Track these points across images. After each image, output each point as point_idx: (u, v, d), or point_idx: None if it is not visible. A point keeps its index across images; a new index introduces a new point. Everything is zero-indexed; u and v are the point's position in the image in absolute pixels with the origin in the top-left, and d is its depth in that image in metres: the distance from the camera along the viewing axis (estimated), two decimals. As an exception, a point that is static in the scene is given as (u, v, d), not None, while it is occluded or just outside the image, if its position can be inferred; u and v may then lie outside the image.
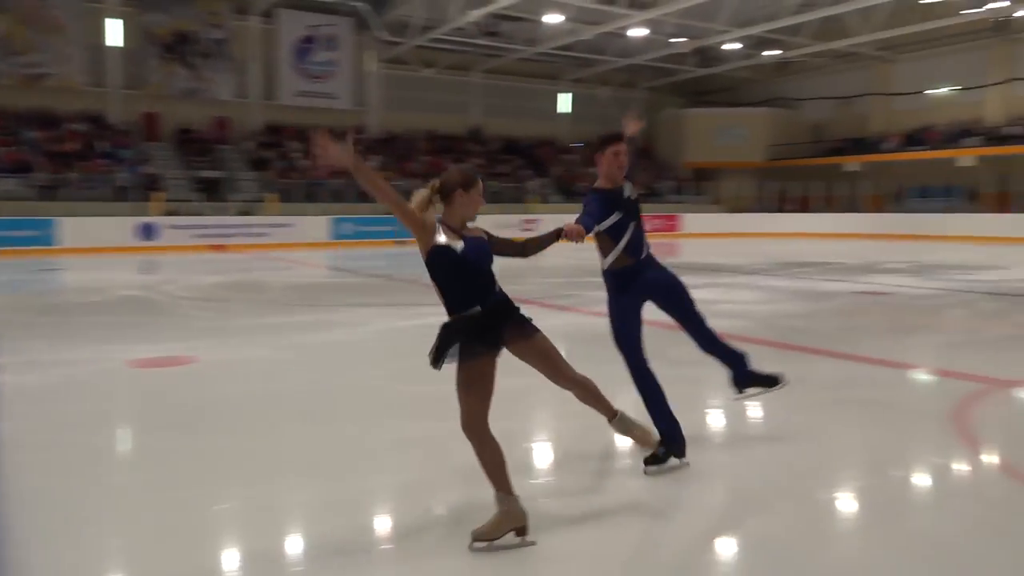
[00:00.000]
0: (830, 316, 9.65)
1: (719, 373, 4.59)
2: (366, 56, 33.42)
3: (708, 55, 32.59)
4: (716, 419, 5.09)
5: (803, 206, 33.44)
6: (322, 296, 11.86)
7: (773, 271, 15.55)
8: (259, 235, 24.21)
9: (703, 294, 11.41)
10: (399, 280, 14.43)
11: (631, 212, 3.98)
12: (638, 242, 3.98)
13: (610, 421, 3.80)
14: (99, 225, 21.76)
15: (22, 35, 26.26)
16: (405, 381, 6.10)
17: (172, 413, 5.31)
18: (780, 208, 34.79)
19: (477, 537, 3.13)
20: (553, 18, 28.75)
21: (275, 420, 5.14)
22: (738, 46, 32.63)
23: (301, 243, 24.49)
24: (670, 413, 4.02)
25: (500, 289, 3.26)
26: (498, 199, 31.49)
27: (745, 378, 4.25)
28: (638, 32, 30.22)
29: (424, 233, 3.16)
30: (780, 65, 34.31)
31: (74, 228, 21.15)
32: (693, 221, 33.39)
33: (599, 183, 4.01)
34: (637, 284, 3.95)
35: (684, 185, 37.70)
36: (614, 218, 3.90)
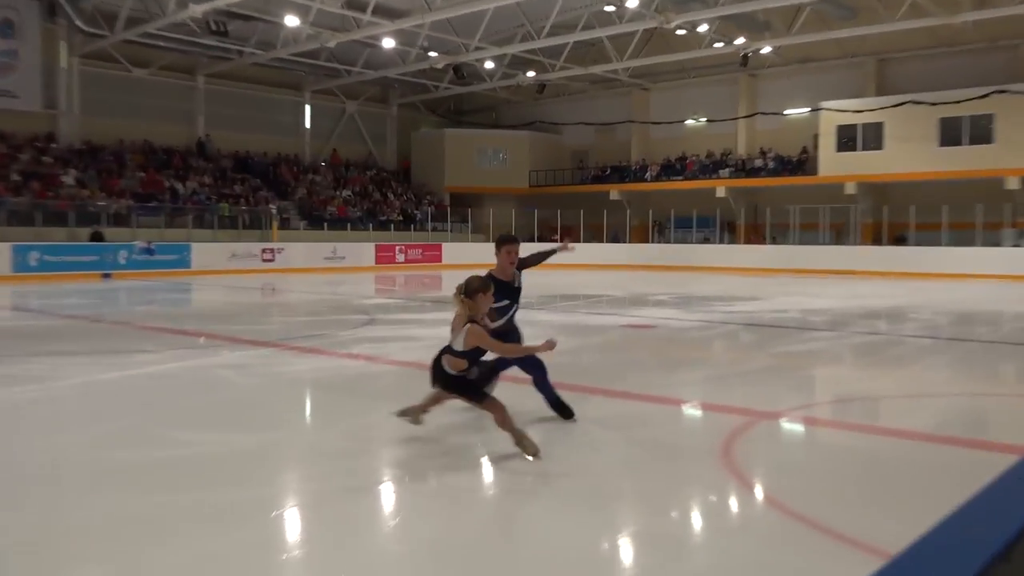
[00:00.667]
0: (597, 351, 10.27)
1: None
2: (57, 49, 30.69)
3: (465, 72, 33.78)
4: (489, 458, 5.13)
5: (569, 235, 35.52)
6: (3, 343, 10.53)
7: (538, 305, 16.20)
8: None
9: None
10: (106, 322, 13.22)
11: (515, 295, 6.11)
12: (513, 315, 6.17)
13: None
14: None
15: None
16: (116, 446, 5.53)
17: None
18: (544, 237, 36.70)
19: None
20: (291, 20, 28.33)
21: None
22: (492, 65, 34.20)
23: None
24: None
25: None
26: (230, 224, 30.28)
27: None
28: (389, 43, 30.64)
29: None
30: (540, 87, 36.46)
31: None
32: (454, 251, 34.24)
33: (495, 272, 6.03)
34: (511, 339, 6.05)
35: (444, 211, 38.60)
36: (503, 303, 5.95)
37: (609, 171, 38.98)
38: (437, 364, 5.27)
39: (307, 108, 38.81)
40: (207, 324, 12.82)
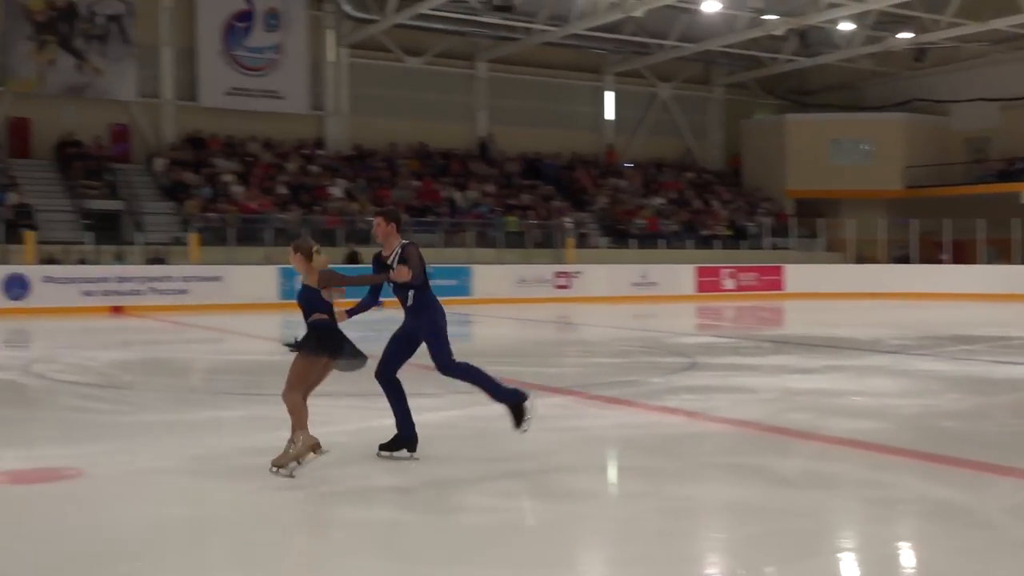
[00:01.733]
0: (1009, 416, 9.60)
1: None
2: (324, 39, 34.06)
3: (814, 40, 32.97)
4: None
5: (961, 254, 33.35)
6: (266, 381, 11.78)
7: (922, 349, 15.53)
8: (175, 292, 24.38)
9: (821, 382, 11.33)
10: (376, 359, 14.35)
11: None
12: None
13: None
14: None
15: None
16: (389, 505, 5.98)
17: (50, 551, 5.20)
18: (929, 257, 34.71)
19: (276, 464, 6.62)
20: (593, -15, 29.33)
21: (198, 564, 5.02)
22: (851, 27, 33.05)
23: (236, 304, 24.62)
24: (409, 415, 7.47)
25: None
26: (517, 242, 31.69)
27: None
28: (712, 7, 30.72)
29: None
30: (918, 54, 34.63)
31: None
32: (800, 275, 33.36)
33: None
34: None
35: (785, 223, 37.76)
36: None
37: (1020, 165, 36.17)
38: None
39: (609, 95, 39.89)
40: (491, 365, 13.45)
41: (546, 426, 8.61)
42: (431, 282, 7.64)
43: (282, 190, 30.45)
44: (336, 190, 31.23)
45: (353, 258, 27.30)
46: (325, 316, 7.21)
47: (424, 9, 30.76)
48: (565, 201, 35.45)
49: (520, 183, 35.77)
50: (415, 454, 7.30)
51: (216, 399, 10.42)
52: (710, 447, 8.00)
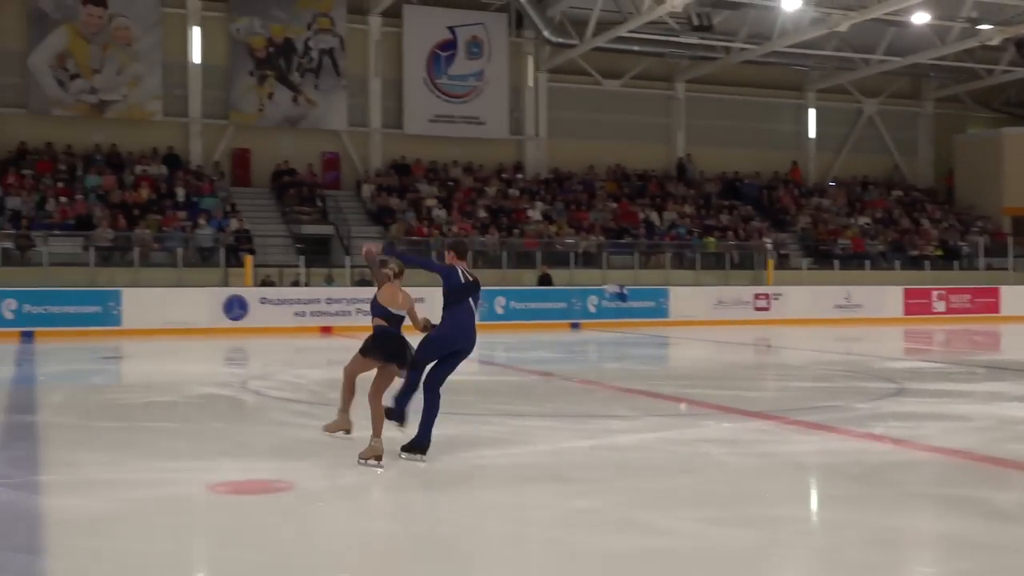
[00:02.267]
0: None
1: None
2: (524, 65, 34.62)
3: (1034, 47, 31.25)
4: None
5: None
6: (465, 400, 12.04)
7: None
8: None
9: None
10: (574, 380, 14.46)
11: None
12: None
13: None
14: (174, 299, 23.45)
15: (84, 53, 29.31)
16: (583, 527, 6.00)
17: (265, 560, 5.46)
18: None
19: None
20: (791, 3, 28.69)
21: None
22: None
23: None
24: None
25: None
26: (715, 263, 31.30)
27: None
28: (921, 18, 29.54)
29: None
30: None
31: (142, 302, 22.91)
32: (1018, 297, 31.53)
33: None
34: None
35: (1003, 243, 35.76)
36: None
37: None
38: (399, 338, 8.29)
39: (811, 112, 38.91)
40: (688, 387, 13.37)
41: (744, 451, 8.46)
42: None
43: (482, 213, 31.07)
44: (534, 213, 31.63)
45: (546, 280, 27.58)
46: (384, 322, 8.35)
47: (622, 32, 30.84)
48: (765, 221, 34.74)
49: (719, 203, 35.30)
50: (424, 457, 7.93)
51: (417, 417, 10.70)
52: (918, 477, 7.66)
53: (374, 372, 8.29)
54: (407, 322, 8.47)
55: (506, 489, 7.15)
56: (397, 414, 8.13)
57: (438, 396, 8.09)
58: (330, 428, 8.77)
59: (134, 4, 29.74)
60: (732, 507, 6.56)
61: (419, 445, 7.99)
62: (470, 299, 8.29)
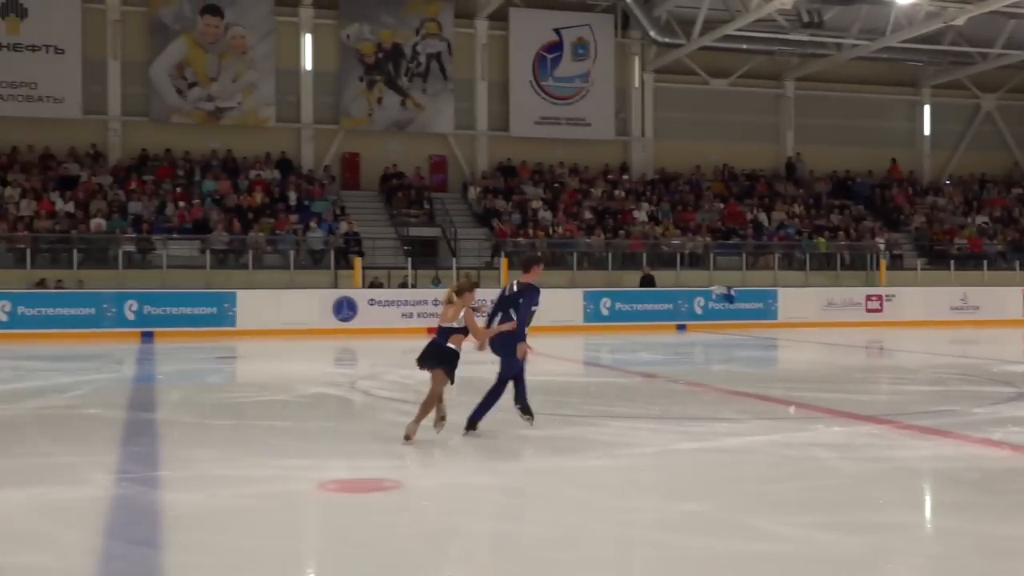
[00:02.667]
0: None
1: None
2: (630, 66, 34.47)
3: None
4: None
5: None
6: (570, 401, 12.07)
7: None
8: (485, 314, 25.29)
9: None
10: (681, 382, 14.35)
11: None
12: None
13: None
14: (286, 300, 23.99)
15: (201, 62, 30.20)
16: (688, 530, 5.96)
17: (375, 557, 5.55)
18: None
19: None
20: (908, -5, 27.96)
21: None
22: None
23: (544, 327, 25.20)
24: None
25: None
26: (825, 264, 30.75)
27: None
28: (1046, 8, 28.49)
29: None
30: None
31: (256, 304, 23.49)
32: None
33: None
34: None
35: None
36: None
37: None
38: (434, 346, 8.93)
39: (926, 109, 37.86)
40: (798, 390, 13.17)
41: (855, 455, 8.29)
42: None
43: (587, 215, 31.04)
44: (640, 214, 31.49)
45: (648, 281, 27.40)
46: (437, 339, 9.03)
47: (730, 31, 30.46)
48: (877, 221, 33.94)
49: (829, 203, 34.62)
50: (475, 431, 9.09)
51: (513, 417, 10.76)
52: (1038, 484, 7.41)
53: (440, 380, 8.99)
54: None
55: (611, 491, 7.14)
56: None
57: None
58: (437, 425, 8.96)
59: (249, 13, 30.53)
60: (842, 513, 6.44)
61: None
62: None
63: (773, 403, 11.78)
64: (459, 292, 8.95)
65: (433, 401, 8.81)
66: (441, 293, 25.03)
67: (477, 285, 9.42)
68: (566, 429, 9.58)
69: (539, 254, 9.93)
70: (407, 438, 8.53)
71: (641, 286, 27.36)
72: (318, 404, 12.03)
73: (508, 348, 9.12)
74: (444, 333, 8.89)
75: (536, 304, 9.27)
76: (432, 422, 8.86)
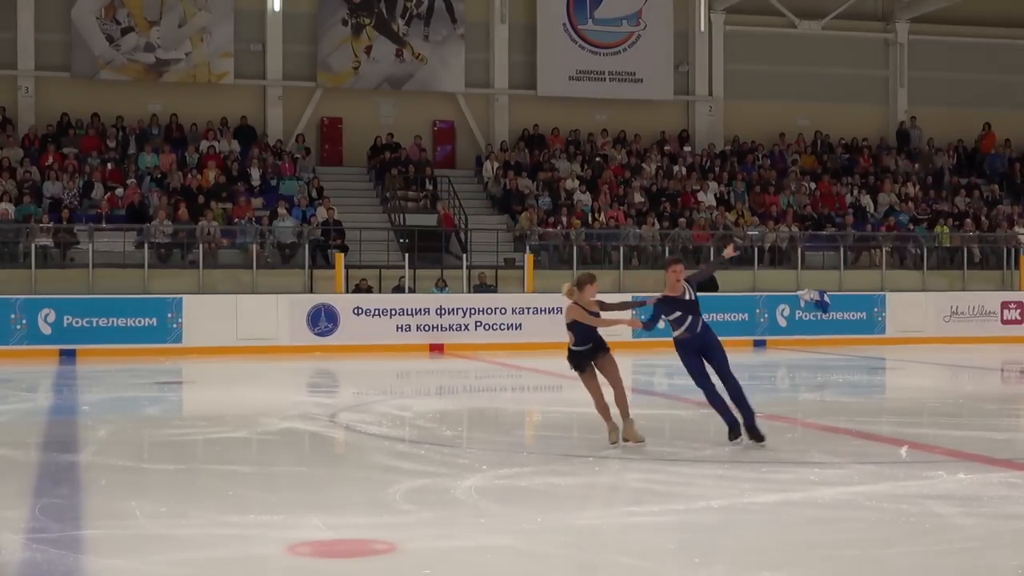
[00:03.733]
0: None
1: None
2: (693, 4, 34.28)
3: None
4: None
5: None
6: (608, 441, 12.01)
7: None
8: (506, 328, 25.17)
9: None
10: (759, 415, 14.26)
11: (688, 308, 11.29)
12: (694, 324, 11.22)
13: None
14: (247, 309, 23.93)
15: (138, 2, 30.35)
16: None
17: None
18: None
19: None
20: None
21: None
22: None
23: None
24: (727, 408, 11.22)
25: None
26: (947, 263, 30.51)
27: (750, 431, 11.08)
28: None
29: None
30: None
31: (208, 314, 23.49)
32: None
33: (667, 291, 11.37)
34: (692, 347, 11.28)
35: None
36: (677, 314, 11.26)
37: None
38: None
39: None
40: (912, 426, 13.09)
41: (987, 511, 8.23)
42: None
43: (638, 198, 30.95)
44: (706, 197, 31.38)
45: (709, 284, 26.97)
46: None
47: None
48: (1016, 205, 33.69)
49: (954, 182, 34.41)
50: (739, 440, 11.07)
51: (551, 461, 10.70)
52: None
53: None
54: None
55: (669, 557, 7.11)
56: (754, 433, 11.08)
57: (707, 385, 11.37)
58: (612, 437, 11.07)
59: (199, -62, 30.63)
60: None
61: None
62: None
63: (879, 442, 11.72)
64: (580, 285, 11.18)
65: (601, 402, 11.24)
66: (449, 299, 25.17)
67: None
68: (608, 476, 9.55)
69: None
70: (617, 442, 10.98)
71: (698, 290, 27.04)
72: (288, 443, 12.01)
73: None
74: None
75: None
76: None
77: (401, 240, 28.25)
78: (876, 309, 27.13)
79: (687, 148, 33.80)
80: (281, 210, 27.73)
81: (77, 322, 22.78)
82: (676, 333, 11.27)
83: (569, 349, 11.37)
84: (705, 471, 9.98)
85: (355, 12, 31.47)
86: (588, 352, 11.26)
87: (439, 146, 32.66)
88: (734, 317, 26.24)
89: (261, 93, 31.53)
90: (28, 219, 26.30)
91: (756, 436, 10.95)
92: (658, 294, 11.58)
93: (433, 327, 24.72)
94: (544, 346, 24.64)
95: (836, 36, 35.44)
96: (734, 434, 11.11)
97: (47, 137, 29.32)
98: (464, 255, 27.05)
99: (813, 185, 32.98)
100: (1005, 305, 28.07)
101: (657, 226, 29.62)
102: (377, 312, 24.42)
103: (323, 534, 7.61)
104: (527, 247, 27.39)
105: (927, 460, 10.51)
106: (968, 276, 30.10)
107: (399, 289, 26.05)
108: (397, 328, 24.38)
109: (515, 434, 13.51)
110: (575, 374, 11.39)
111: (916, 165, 34.93)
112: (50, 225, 26.25)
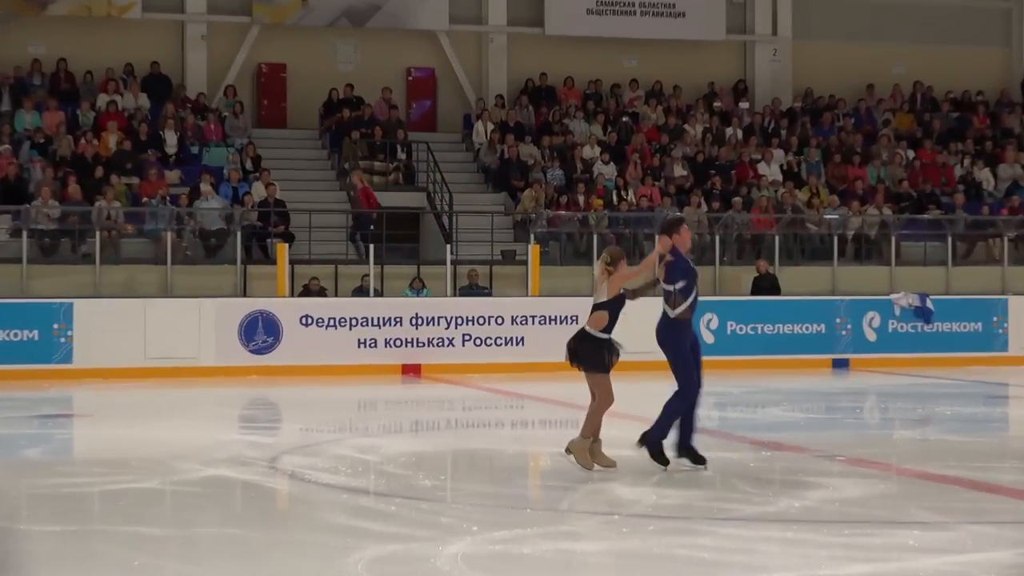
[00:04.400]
0: None
1: None
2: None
3: None
4: None
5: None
6: (661, 491, 12.03)
7: None
8: (504, 342, 25.15)
9: None
10: (835, 459, 14.31)
11: (696, 279, 12.77)
12: (695, 303, 12.60)
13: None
14: (159, 317, 23.90)
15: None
16: None
17: None
18: None
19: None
20: None
21: None
22: None
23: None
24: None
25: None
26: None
27: (685, 450, 12.63)
28: None
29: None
30: None
31: (107, 324, 23.44)
32: None
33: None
34: (690, 332, 12.84)
35: None
36: (682, 283, 12.48)
37: None
38: (575, 337, 12.27)
39: None
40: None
41: None
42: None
43: (679, 171, 30.95)
44: (770, 169, 31.39)
45: (767, 285, 26.98)
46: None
47: None
48: None
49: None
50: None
51: (563, 519, 10.71)
52: None
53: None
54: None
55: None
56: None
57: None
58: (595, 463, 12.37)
59: None
60: None
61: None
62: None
63: (1000, 496, 11.72)
64: (612, 261, 12.27)
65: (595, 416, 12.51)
66: (427, 305, 25.17)
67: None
68: (640, 539, 9.56)
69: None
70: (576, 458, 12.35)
71: (754, 293, 27.08)
72: (214, 496, 12.01)
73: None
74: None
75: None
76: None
77: (365, 228, 28.13)
78: (996, 318, 27.10)
79: (744, 104, 33.89)
80: (205, 187, 27.73)
81: (-72, 336, 22.81)
82: (677, 311, 12.44)
83: (587, 335, 12.45)
84: (769, 533, 9.96)
85: (303, -77, 31.56)
86: (611, 345, 12.39)
87: (415, 102, 32.74)
88: (806, 329, 26.20)
89: (178, 32, 31.60)
90: None
91: (697, 459, 12.60)
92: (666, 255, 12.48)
93: (407, 342, 24.65)
94: (552, 367, 24.52)
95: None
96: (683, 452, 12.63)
97: None
98: (448, 246, 27.02)
99: (911, 154, 33.03)
100: None
101: (704, 208, 29.63)
102: (332, 322, 24.35)
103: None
104: (531, 236, 27.33)
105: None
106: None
107: (361, 292, 26.02)
108: (359, 343, 24.33)
109: (515, 484, 13.51)
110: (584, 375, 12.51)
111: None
112: (-103, 208, 26.28)
